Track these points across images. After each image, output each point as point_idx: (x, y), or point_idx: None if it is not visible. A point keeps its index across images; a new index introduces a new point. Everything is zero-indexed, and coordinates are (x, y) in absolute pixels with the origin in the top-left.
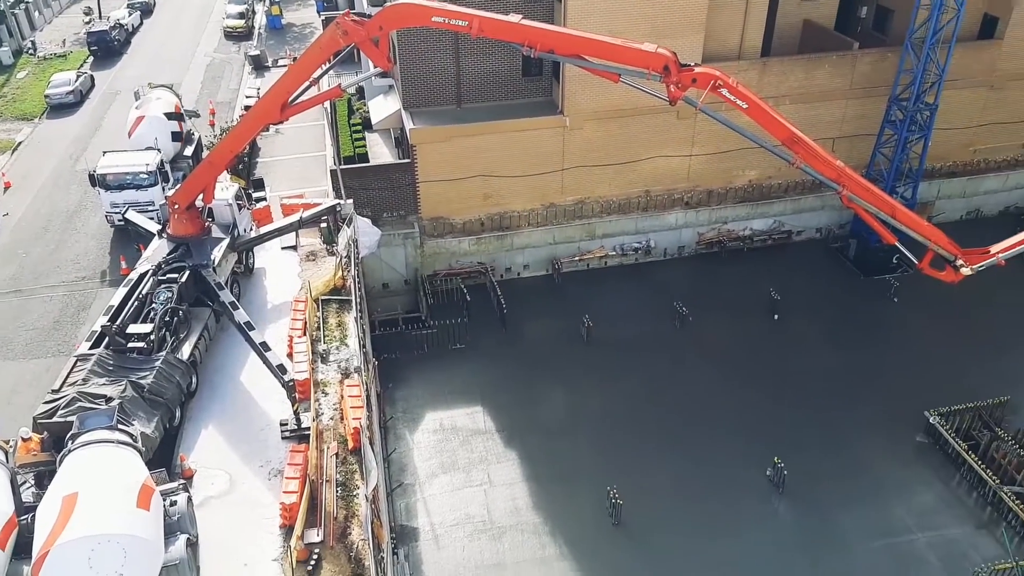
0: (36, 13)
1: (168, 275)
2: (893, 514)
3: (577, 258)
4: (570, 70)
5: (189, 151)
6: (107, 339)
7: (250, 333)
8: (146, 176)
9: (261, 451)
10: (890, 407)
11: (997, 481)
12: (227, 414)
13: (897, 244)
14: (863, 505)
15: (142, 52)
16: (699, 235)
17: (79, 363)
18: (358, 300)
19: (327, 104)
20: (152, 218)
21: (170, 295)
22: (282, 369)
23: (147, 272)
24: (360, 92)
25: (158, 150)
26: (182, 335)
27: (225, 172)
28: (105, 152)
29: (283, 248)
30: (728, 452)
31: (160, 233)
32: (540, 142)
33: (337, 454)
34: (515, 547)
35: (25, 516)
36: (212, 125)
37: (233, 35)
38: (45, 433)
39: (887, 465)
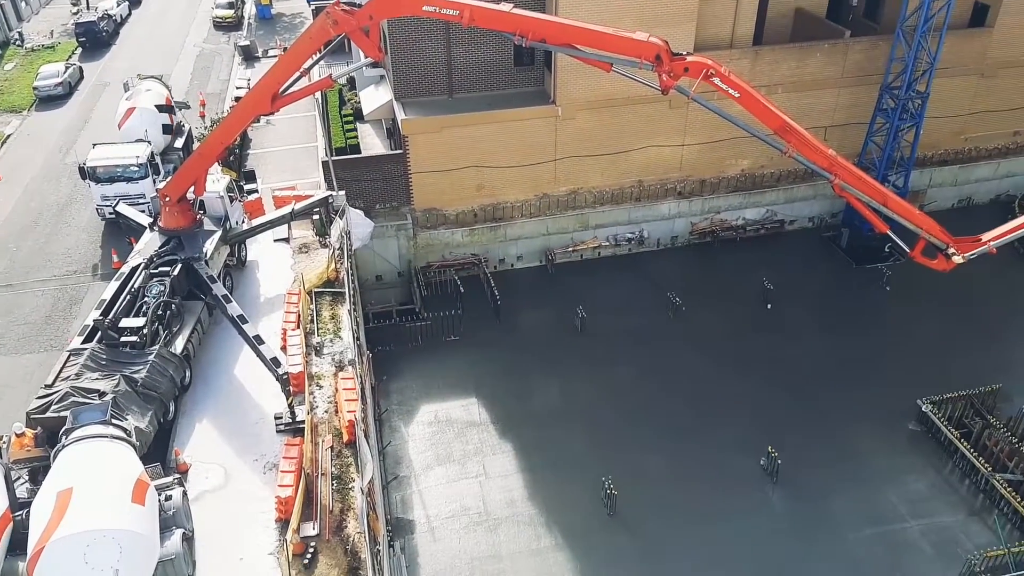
0: (23, 3)
1: (160, 268)
2: (886, 501)
3: (571, 249)
4: (562, 59)
5: (179, 143)
6: (100, 333)
7: (243, 326)
8: (137, 169)
9: (256, 445)
10: (883, 395)
11: (989, 468)
12: (221, 408)
13: (889, 233)
14: (856, 492)
15: (131, 43)
16: (692, 225)
17: (72, 358)
18: (351, 292)
19: (318, 95)
20: (143, 211)
21: (162, 288)
22: (276, 362)
23: (139, 265)
24: (351, 82)
25: (148, 142)
26: (175, 329)
27: (216, 164)
28: (95, 144)
29: (276, 240)
30: (722, 441)
31: (151, 226)
32: (532, 132)
33: (332, 447)
34: (511, 538)
35: (20, 512)
36: (202, 116)
37: (223, 25)
38: (38, 428)
39: (880, 453)
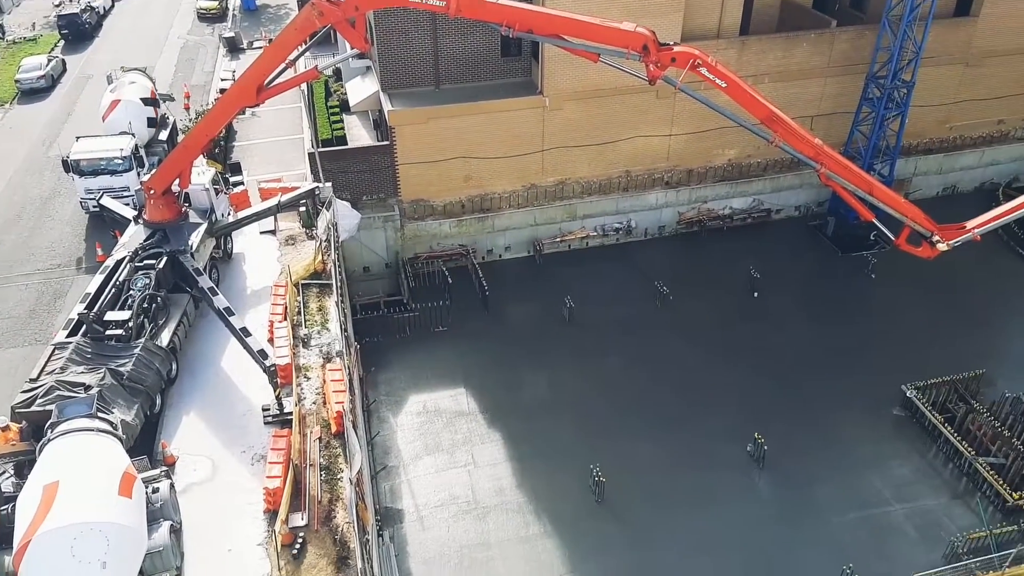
0: None
1: (145, 261)
2: (871, 486)
3: (558, 239)
4: (549, 50)
5: (164, 135)
6: (84, 327)
7: (230, 319)
8: (121, 161)
9: (243, 437)
10: (868, 381)
11: (972, 452)
12: (208, 400)
13: (874, 221)
14: (841, 477)
15: (114, 35)
16: (679, 215)
17: (57, 351)
18: (339, 284)
19: (304, 86)
20: (128, 204)
21: (148, 281)
22: (263, 354)
23: (124, 259)
24: (337, 74)
25: (132, 135)
26: (161, 322)
27: (201, 156)
28: (79, 137)
29: (262, 233)
30: (709, 428)
31: (136, 219)
32: (520, 123)
33: (320, 438)
34: (499, 526)
35: (5, 506)
36: (187, 109)
37: (207, 16)
38: (24, 422)
39: (865, 438)
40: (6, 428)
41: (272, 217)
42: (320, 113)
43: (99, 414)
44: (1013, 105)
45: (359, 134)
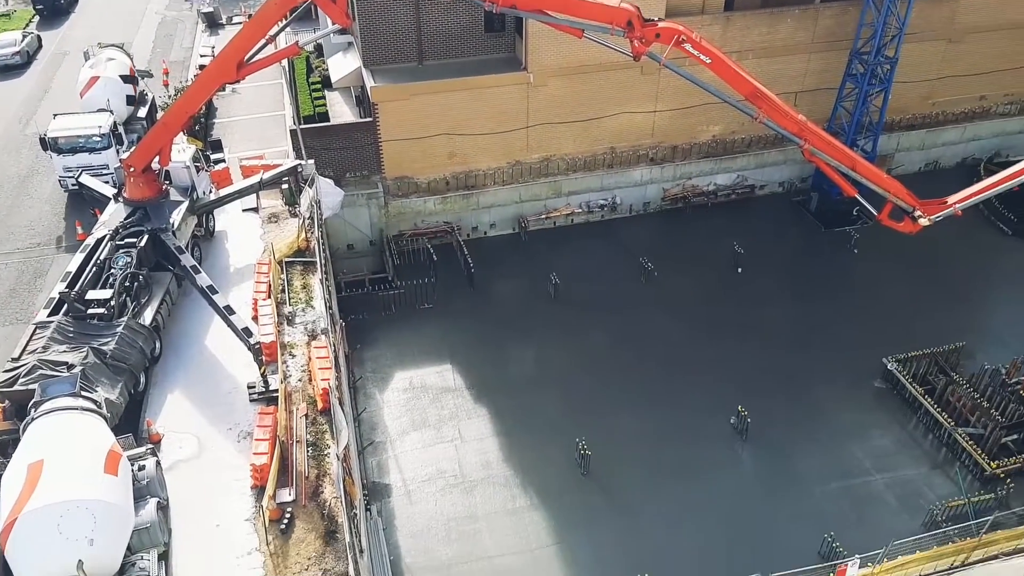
0: None
1: (126, 240)
2: (852, 457)
3: (544, 216)
4: (533, 25)
5: (143, 112)
6: (66, 306)
7: (213, 297)
8: (99, 139)
9: (229, 414)
10: (850, 355)
11: (952, 423)
12: (193, 378)
13: (857, 196)
14: (823, 449)
15: (90, 10)
16: (664, 191)
17: (38, 331)
18: (323, 262)
19: (285, 62)
20: (107, 182)
21: (129, 260)
22: (248, 332)
23: (104, 237)
24: (319, 49)
25: (111, 112)
26: (143, 300)
27: (181, 134)
28: (56, 115)
29: (244, 210)
30: (693, 402)
31: (116, 197)
32: (504, 99)
33: (307, 415)
34: (486, 500)
35: None
36: (166, 85)
37: None
38: (6, 402)
39: (846, 410)
40: None
41: (254, 195)
42: (302, 89)
43: (83, 393)
44: (995, 81)
45: (341, 111)
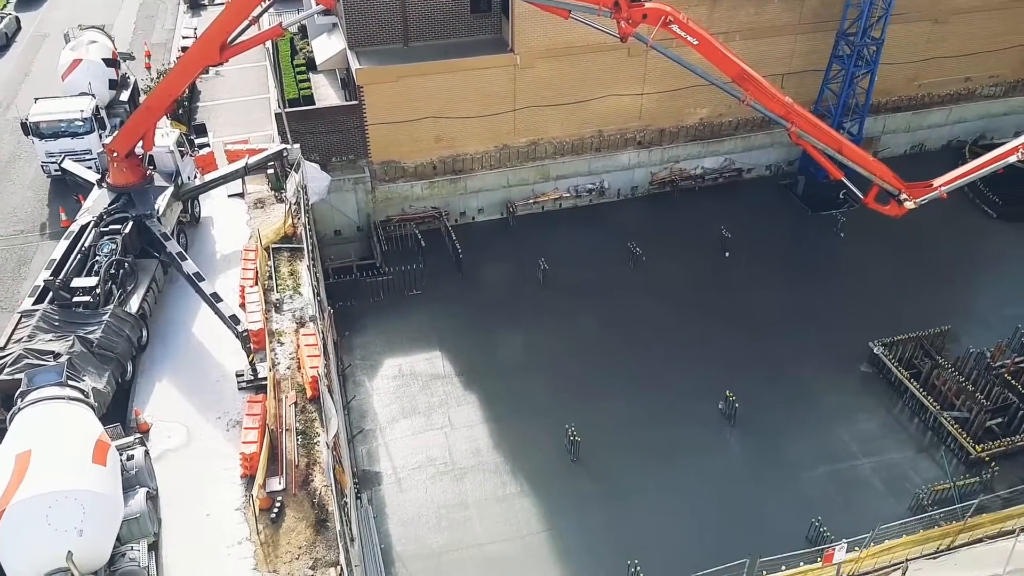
0: None
1: (111, 226)
2: (839, 441)
3: (532, 200)
4: (520, 6)
5: (125, 96)
6: (51, 294)
7: (200, 284)
8: (81, 123)
9: (217, 403)
10: (836, 338)
11: (937, 407)
12: (181, 367)
13: (844, 179)
14: (810, 433)
15: None
16: (652, 175)
17: (23, 319)
18: (310, 248)
19: (269, 44)
20: (90, 167)
21: (114, 247)
22: (235, 320)
23: (88, 224)
24: (303, 31)
25: (93, 96)
26: (129, 288)
27: (165, 117)
28: (37, 99)
29: (230, 196)
30: (682, 387)
31: (99, 183)
32: (491, 81)
33: (296, 403)
34: (476, 486)
35: None
36: (148, 68)
37: None
38: None
39: (833, 394)
40: None
41: (240, 180)
42: (286, 72)
43: (69, 382)
44: (980, 62)
45: (327, 93)
